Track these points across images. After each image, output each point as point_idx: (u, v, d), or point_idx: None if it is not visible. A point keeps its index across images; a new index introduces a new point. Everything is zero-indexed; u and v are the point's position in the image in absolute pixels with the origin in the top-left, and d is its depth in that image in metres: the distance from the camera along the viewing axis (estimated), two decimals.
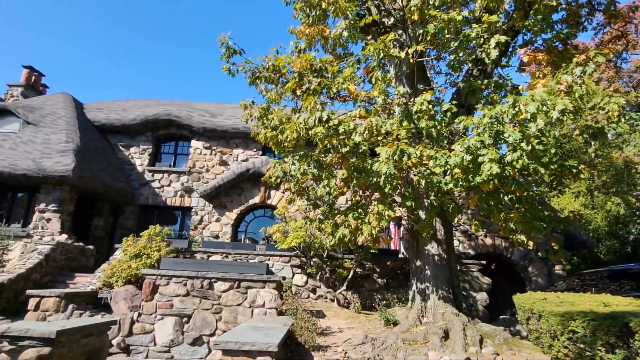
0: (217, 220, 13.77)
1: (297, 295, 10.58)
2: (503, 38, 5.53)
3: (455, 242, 14.12)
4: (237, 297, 7.72)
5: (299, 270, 10.69)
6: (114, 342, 7.71)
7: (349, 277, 10.03)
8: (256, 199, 13.78)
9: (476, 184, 5.33)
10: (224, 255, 10.65)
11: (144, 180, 14.73)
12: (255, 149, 14.82)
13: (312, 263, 10.31)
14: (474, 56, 6.89)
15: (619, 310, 3.27)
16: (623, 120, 5.79)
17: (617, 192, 22.07)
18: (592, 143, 23.39)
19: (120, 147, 15.11)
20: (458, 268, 11.20)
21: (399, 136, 6.04)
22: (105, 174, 13.18)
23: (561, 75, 4.83)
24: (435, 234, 7.59)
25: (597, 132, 6.40)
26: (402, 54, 6.30)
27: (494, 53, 5.59)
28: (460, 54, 6.02)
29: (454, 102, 6.43)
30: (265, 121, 7.65)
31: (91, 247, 12.17)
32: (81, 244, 11.91)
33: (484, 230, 13.52)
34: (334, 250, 10.80)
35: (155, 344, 7.52)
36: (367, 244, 10.16)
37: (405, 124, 6.25)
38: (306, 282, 10.69)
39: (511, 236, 7.10)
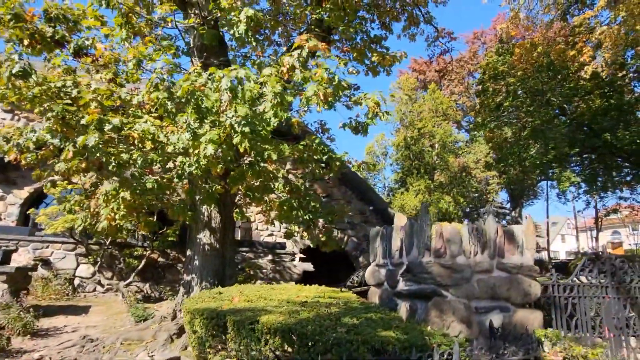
0: (1, 199, 11.35)
1: (80, 288, 9.22)
2: (251, 11, 5.12)
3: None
4: None
5: (85, 260, 9.30)
6: None
7: (139, 267, 9.02)
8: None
9: (204, 167, 4.84)
10: None
11: None
12: None
13: (93, 251, 9.03)
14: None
15: (235, 307, 3.01)
16: (380, 117, 5.98)
17: (450, 192, 25.08)
18: (436, 147, 26.20)
19: None
20: (253, 259, 10.93)
21: (150, 108, 5.31)
22: None
23: (283, 57, 4.58)
24: (210, 222, 7.06)
25: (360, 126, 6.55)
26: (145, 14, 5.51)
27: (242, 27, 5.16)
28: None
29: None
30: None
31: None
32: None
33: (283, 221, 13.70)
34: (133, 237, 9.70)
35: None
36: (167, 230, 9.31)
37: (154, 95, 5.51)
38: (94, 274, 9.35)
39: (286, 225, 6.93)
